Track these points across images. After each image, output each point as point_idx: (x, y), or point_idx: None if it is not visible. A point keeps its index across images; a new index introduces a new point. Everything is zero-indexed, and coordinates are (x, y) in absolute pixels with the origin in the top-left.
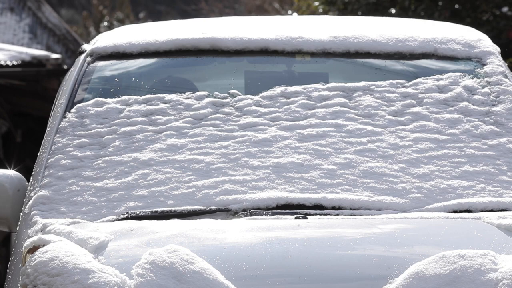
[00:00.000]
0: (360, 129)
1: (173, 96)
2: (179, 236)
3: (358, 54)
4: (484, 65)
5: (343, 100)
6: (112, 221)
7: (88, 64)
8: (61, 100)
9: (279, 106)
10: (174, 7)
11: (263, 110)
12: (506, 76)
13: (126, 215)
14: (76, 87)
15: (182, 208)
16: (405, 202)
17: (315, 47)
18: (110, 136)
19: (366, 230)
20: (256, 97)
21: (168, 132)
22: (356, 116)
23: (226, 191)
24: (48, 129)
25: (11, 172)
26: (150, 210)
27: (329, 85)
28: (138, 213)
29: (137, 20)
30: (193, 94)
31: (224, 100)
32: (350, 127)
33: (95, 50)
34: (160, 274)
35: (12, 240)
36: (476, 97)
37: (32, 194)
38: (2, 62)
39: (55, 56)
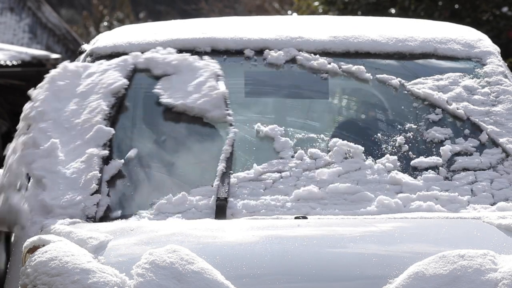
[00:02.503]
0: None
1: None
2: (179, 236)
3: (358, 54)
4: (484, 65)
5: None
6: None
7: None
8: None
9: None
10: (174, 7)
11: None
12: (506, 76)
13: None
14: None
15: None
16: None
17: (315, 47)
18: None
19: (366, 230)
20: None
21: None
22: None
23: None
24: None
25: None
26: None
27: None
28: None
29: (137, 20)
30: None
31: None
32: None
33: (95, 50)
34: (160, 274)
35: (12, 240)
36: (476, 97)
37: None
38: (2, 62)
39: (55, 56)
